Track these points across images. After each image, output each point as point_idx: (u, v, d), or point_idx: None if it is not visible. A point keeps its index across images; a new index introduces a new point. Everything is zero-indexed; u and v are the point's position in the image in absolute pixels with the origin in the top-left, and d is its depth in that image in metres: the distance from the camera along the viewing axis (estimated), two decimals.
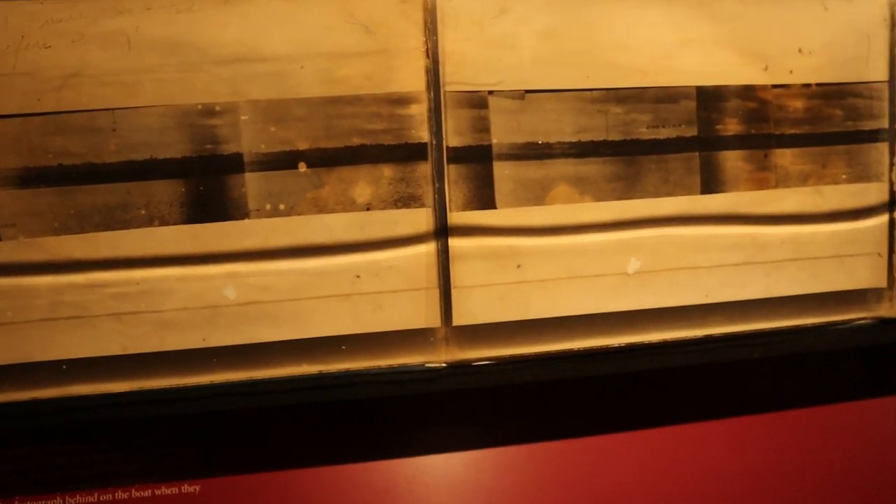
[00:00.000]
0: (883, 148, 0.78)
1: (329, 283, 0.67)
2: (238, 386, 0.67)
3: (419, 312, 0.69)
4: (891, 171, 0.78)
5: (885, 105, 0.78)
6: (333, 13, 0.65)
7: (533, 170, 0.70)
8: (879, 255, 0.79)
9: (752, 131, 0.74)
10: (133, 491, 0.71)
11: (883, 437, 0.85)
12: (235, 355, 0.67)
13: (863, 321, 0.80)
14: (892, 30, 0.77)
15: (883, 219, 0.79)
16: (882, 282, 0.80)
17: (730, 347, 0.76)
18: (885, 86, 0.78)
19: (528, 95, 0.69)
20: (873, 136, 0.78)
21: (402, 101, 0.67)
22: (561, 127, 0.70)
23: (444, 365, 0.70)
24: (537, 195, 0.70)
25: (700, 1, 0.72)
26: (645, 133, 0.72)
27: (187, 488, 0.71)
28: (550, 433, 0.76)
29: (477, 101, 0.68)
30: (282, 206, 0.66)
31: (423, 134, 0.67)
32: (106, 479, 0.72)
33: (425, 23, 0.66)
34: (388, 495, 0.74)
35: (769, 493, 0.82)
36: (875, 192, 0.79)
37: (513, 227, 0.70)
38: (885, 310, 0.81)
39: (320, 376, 0.69)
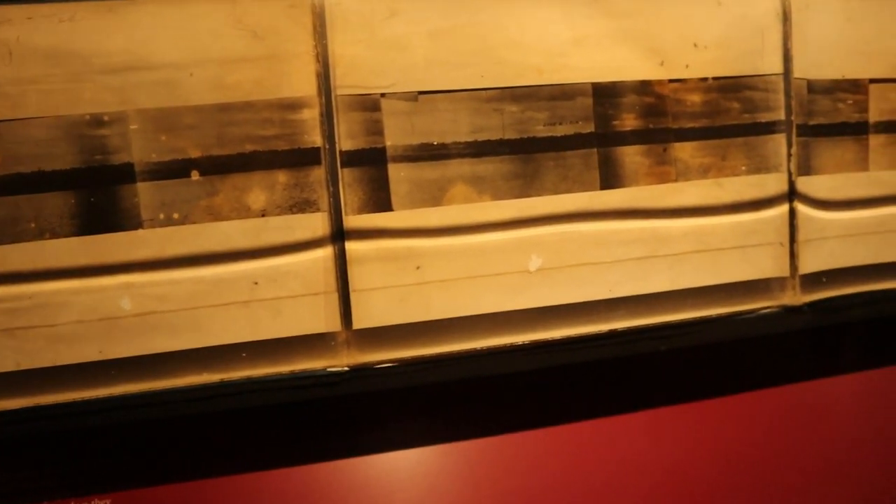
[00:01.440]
0: (780, 139, 0.87)
1: (227, 290, 0.74)
2: (138, 397, 0.73)
3: (319, 317, 0.76)
4: (789, 161, 0.87)
5: (781, 97, 0.87)
6: (221, 19, 0.71)
7: (429, 171, 0.77)
8: (781, 244, 0.89)
9: (651, 126, 0.83)
10: None
11: (790, 423, 0.95)
12: (134, 367, 0.73)
13: (767, 310, 0.89)
14: (784, 23, 0.86)
15: (783, 209, 0.88)
16: (785, 271, 0.89)
17: (636, 341, 0.85)
18: (780, 78, 0.87)
19: (421, 97, 0.76)
20: (770, 128, 0.87)
21: (293, 105, 0.73)
22: (456, 127, 0.77)
23: (346, 369, 0.77)
24: (434, 196, 0.77)
25: None
26: (542, 131, 0.79)
27: (98, 503, 0.77)
28: (458, 433, 0.83)
29: (369, 104, 0.75)
30: (176, 215, 0.72)
31: (315, 138, 0.74)
32: (10, 499, 0.76)
33: (314, 27, 0.73)
34: (300, 502, 0.81)
35: (684, 483, 0.91)
36: (774, 183, 0.88)
37: (410, 228, 0.77)
38: (789, 298, 0.90)
39: (221, 385, 0.75)
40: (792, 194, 0.88)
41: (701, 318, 0.86)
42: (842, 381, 0.98)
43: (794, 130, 0.87)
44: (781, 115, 0.86)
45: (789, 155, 0.87)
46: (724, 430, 0.92)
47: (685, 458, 0.91)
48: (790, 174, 0.87)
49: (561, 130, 0.79)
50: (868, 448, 0.98)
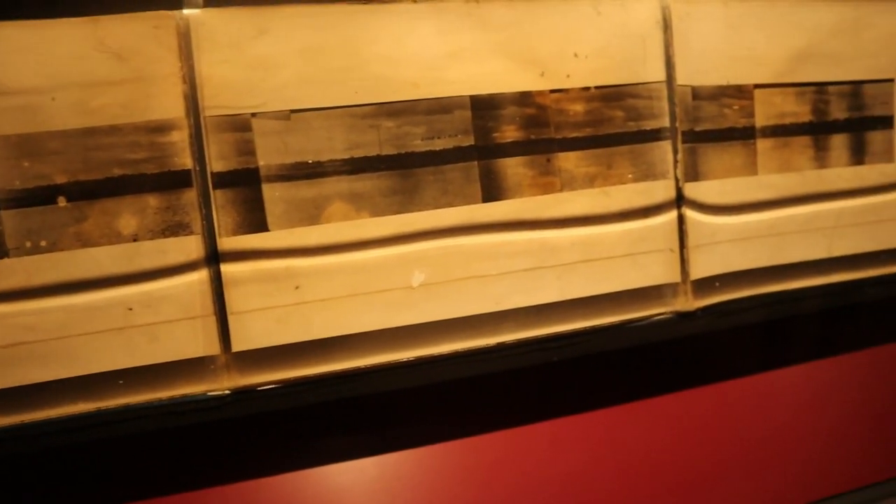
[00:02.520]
0: (666, 146, 0.93)
1: (100, 317, 0.77)
2: (10, 430, 0.76)
3: (197, 341, 0.80)
4: (675, 168, 0.94)
5: (665, 104, 0.93)
6: (82, 42, 0.75)
7: (305, 189, 0.81)
8: (671, 250, 0.95)
9: (533, 137, 0.88)
10: None
11: (688, 428, 1.01)
12: (5, 399, 0.76)
13: (660, 316, 0.95)
14: (665, 31, 0.92)
15: (672, 215, 0.94)
16: (676, 276, 0.95)
17: (526, 353, 0.90)
18: (663, 85, 0.93)
19: (294, 115, 0.80)
20: (656, 135, 0.93)
21: (161, 128, 0.77)
22: (332, 144, 0.82)
23: (227, 392, 0.81)
24: (312, 215, 0.82)
25: (469, 11, 0.85)
26: (420, 145, 0.84)
27: None
28: (346, 453, 0.88)
29: (240, 125, 0.79)
30: (43, 243, 0.75)
31: (185, 160, 0.78)
32: None
33: (180, 47, 0.77)
34: None
35: (584, 493, 0.97)
36: (662, 190, 0.94)
37: (288, 248, 0.81)
38: (681, 304, 0.96)
39: (98, 413, 0.79)
40: (680, 200, 0.93)
41: (592, 327, 0.92)
42: (738, 384, 1.04)
43: (680, 137, 0.93)
44: (666, 123, 0.92)
45: (675, 161, 0.93)
46: (622, 438, 0.98)
47: (584, 468, 0.97)
48: (677, 180, 0.93)
49: (440, 144, 0.84)
50: (767, 448, 1.04)
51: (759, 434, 1.04)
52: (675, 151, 0.92)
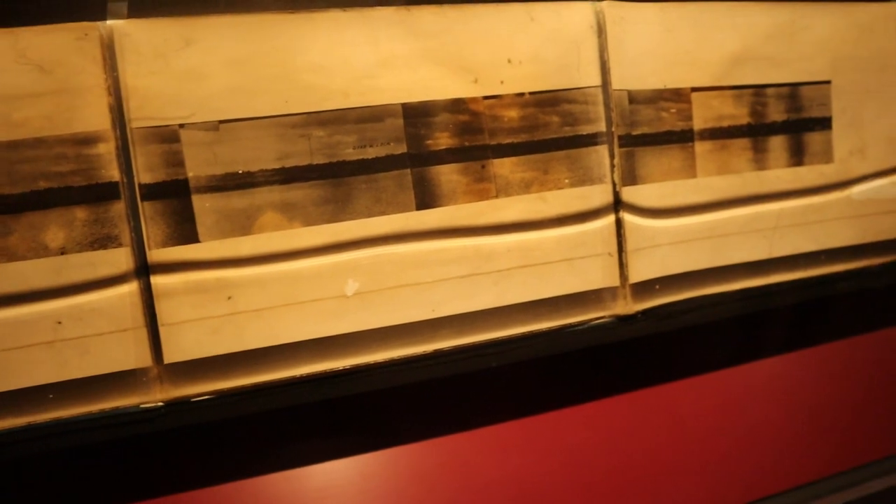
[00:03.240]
0: (603, 151, 0.97)
1: (28, 332, 0.80)
2: None
3: (128, 353, 0.82)
4: (612, 172, 0.97)
5: (601, 109, 0.97)
6: (2, 55, 0.77)
7: (236, 200, 0.84)
8: (610, 254, 0.99)
9: (467, 143, 0.92)
10: None
11: (631, 430, 1.05)
12: None
13: (600, 320, 0.99)
14: (600, 36, 0.96)
15: (609, 219, 0.98)
16: (615, 280, 0.99)
17: (463, 359, 0.93)
18: (599, 90, 0.96)
19: (223, 126, 0.83)
20: (592, 140, 0.97)
21: (88, 140, 0.80)
22: (262, 155, 0.85)
23: (160, 404, 0.84)
24: (243, 225, 0.84)
25: (400, 19, 0.88)
26: (352, 154, 0.87)
27: None
28: (283, 463, 0.91)
29: (168, 136, 0.82)
30: None
31: (113, 173, 0.80)
32: None
33: (104, 59, 0.79)
34: None
35: (532, 495, 1.00)
36: (599, 194, 0.98)
37: (219, 259, 0.84)
38: (621, 307, 1.00)
39: (29, 428, 0.81)
40: (618, 204, 0.97)
41: (530, 332, 0.95)
42: (681, 385, 1.09)
43: (616, 141, 0.96)
44: (602, 127, 0.96)
45: (612, 166, 0.96)
46: (567, 441, 1.02)
47: (530, 472, 1.01)
48: (615, 185, 0.97)
49: (372, 153, 0.87)
50: (712, 447, 1.09)
51: (704, 433, 1.08)
52: (612, 156, 0.96)
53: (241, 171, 0.83)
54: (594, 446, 1.04)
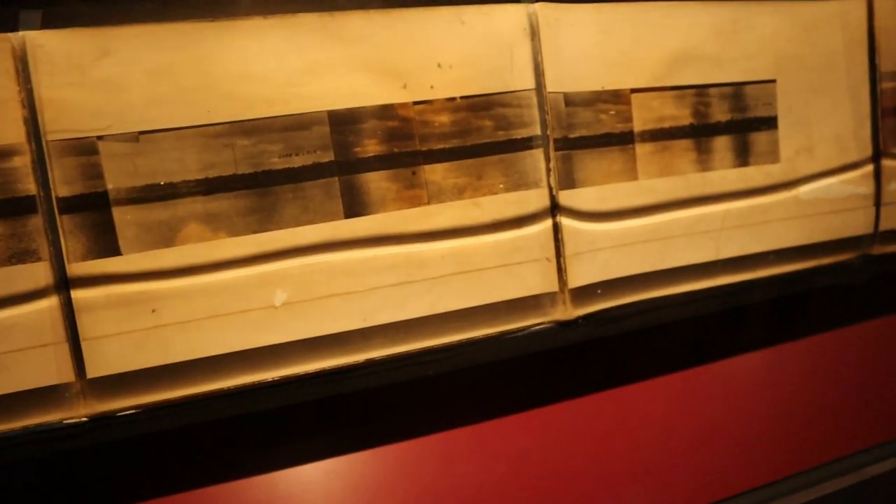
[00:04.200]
0: (538, 154, 0.99)
1: None
2: None
3: (50, 369, 0.84)
4: (548, 176, 0.99)
5: (536, 112, 0.98)
6: None
7: (158, 212, 0.86)
8: (548, 259, 1.01)
9: (396, 150, 0.93)
10: None
11: (577, 435, 1.07)
12: None
13: (539, 326, 1.01)
14: (533, 38, 0.98)
15: (547, 224, 1.00)
16: (554, 286, 1.01)
17: (397, 368, 0.95)
18: (533, 93, 0.98)
19: (142, 137, 0.85)
20: (527, 144, 0.99)
21: (2, 154, 0.81)
22: (185, 165, 0.86)
23: (84, 419, 0.85)
24: (166, 237, 0.86)
25: (324, 25, 0.90)
26: (278, 163, 0.89)
27: None
28: (213, 477, 0.93)
29: (85, 148, 0.83)
30: None
31: (29, 186, 0.82)
32: None
33: (17, 71, 0.81)
34: None
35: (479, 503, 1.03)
36: (535, 199, 1.00)
37: (142, 271, 0.86)
38: (561, 313, 1.02)
39: None
40: (555, 209, 0.99)
41: (467, 339, 0.97)
42: (628, 390, 1.11)
43: (552, 145, 0.98)
44: (537, 131, 0.98)
45: (548, 170, 0.98)
46: (513, 448, 1.04)
47: (476, 480, 1.03)
48: (551, 189, 0.99)
49: (298, 161, 0.89)
50: (662, 451, 1.11)
51: (652, 439, 1.10)
52: (548, 159, 0.98)
53: (162, 183, 0.85)
54: (541, 453, 1.06)
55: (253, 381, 0.90)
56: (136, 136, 0.84)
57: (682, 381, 1.15)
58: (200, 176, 0.87)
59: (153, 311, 0.86)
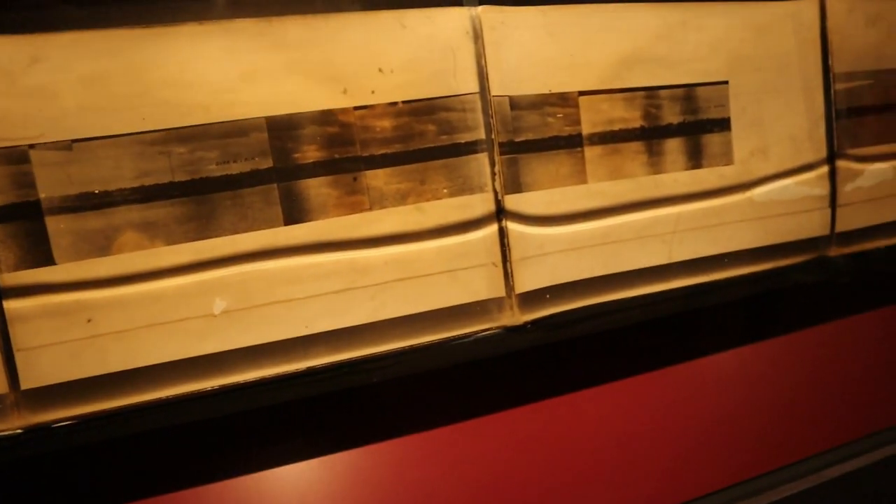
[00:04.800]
0: (483, 159, 1.01)
1: None
2: None
3: None
4: (493, 180, 1.01)
5: (480, 116, 1.00)
6: None
7: (93, 220, 0.87)
8: (494, 265, 1.02)
9: (337, 156, 0.95)
10: None
11: (528, 441, 1.09)
12: None
13: (487, 332, 1.03)
14: (476, 42, 0.99)
15: (492, 229, 1.02)
16: (500, 291, 1.03)
17: (340, 376, 0.97)
18: (477, 97, 1.00)
19: (76, 145, 0.86)
20: (471, 148, 1.00)
21: None
22: (120, 173, 0.87)
23: (19, 431, 0.86)
24: (102, 246, 0.87)
25: (262, 31, 0.91)
26: (215, 170, 0.90)
27: None
28: (151, 487, 0.94)
29: (17, 157, 0.84)
30: None
31: None
32: None
33: None
34: None
35: None
36: (481, 204, 1.01)
37: (77, 281, 0.87)
38: (508, 318, 1.03)
39: None
40: (500, 213, 1.01)
41: (412, 346, 0.99)
42: (581, 395, 1.12)
43: (497, 149, 1.00)
44: (482, 135, 1.00)
45: (493, 174, 1.00)
46: (465, 455, 1.06)
47: (427, 487, 1.04)
48: (496, 193, 1.00)
49: (236, 168, 0.90)
50: (609, 460, 1.12)
51: (608, 443, 1.12)
52: (493, 164, 1.00)
53: (97, 191, 0.86)
54: (491, 459, 1.07)
55: (192, 390, 0.91)
56: (70, 145, 0.85)
57: (636, 386, 1.16)
58: (136, 184, 0.88)
59: (89, 320, 0.87)
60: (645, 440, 1.15)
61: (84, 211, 0.86)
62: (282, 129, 0.92)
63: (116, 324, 0.88)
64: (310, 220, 0.94)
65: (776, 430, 1.22)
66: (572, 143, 1.06)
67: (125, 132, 0.87)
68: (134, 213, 0.88)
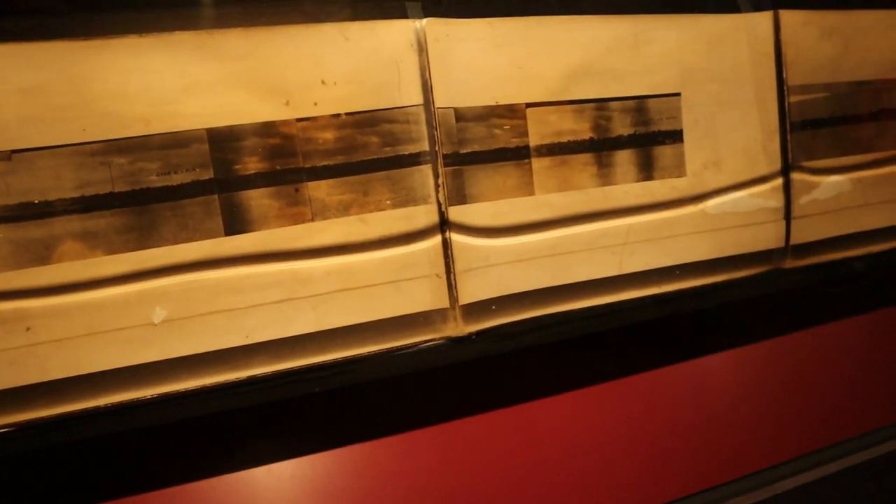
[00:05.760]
0: (427, 170, 1.05)
1: None
2: None
3: None
4: (437, 192, 1.05)
5: (423, 128, 1.04)
6: None
7: (33, 230, 0.91)
8: (438, 276, 1.06)
9: (279, 167, 0.99)
10: None
11: (470, 453, 1.13)
12: None
13: (431, 343, 1.07)
14: (421, 54, 1.03)
15: (436, 240, 1.06)
16: (444, 302, 1.07)
17: (281, 385, 1.01)
18: (421, 109, 1.04)
19: (15, 155, 0.90)
20: (415, 160, 1.05)
21: None
22: (60, 184, 0.92)
23: None
24: (42, 255, 0.92)
25: (202, 43, 0.95)
26: (156, 181, 0.95)
27: None
28: (89, 497, 0.99)
29: None
30: None
31: None
32: None
33: None
34: None
35: None
36: (424, 215, 1.05)
37: (16, 290, 0.91)
38: (452, 329, 1.08)
39: None
40: (444, 225, 1.05)
41: (355, 356, 1.03)
42: (529, 407, 1.17)
43: (441, 161, 1.04)
44: (426, 146, 1.04)
45: (437, 185, 1.04)
46: (407, 466, 1.10)
47: (371, 497, 1.09)
48: (440, 205, 1.05)
49: (177, 179, 0.95)
50: (559, 472, 1.17)
51: (558, 454, 1.16)
52: (437, 175, 1.04)
53: (37, 201, 0.90)
54: (437, 470, 1.12)
55: (131, 398, 0.96)
56: (9, 155, 0.90)
57: (587, 397, 1.21)
58: (76, 194, 0.92)
59: (28, 328, 0.91)
60: (593, 453, 1.19)
61: (24, 221, 0.91)
62: (223, 141, 0.96)
63: (56, 332, 0.92)
64: (251, 231, 0.98)
65: (729, 442, 1.26)
66: (519, 154, 1.10)
67: (65, 143, 0.91)
68: (74, 223, 0.92)
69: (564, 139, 1.12)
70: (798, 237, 1.29)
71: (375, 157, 1.02)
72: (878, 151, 1.35)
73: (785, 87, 1.24)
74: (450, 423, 1.13)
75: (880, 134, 1.35)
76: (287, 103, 0.98)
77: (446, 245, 1.05)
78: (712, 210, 1.22)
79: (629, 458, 1.20)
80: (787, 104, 1.24)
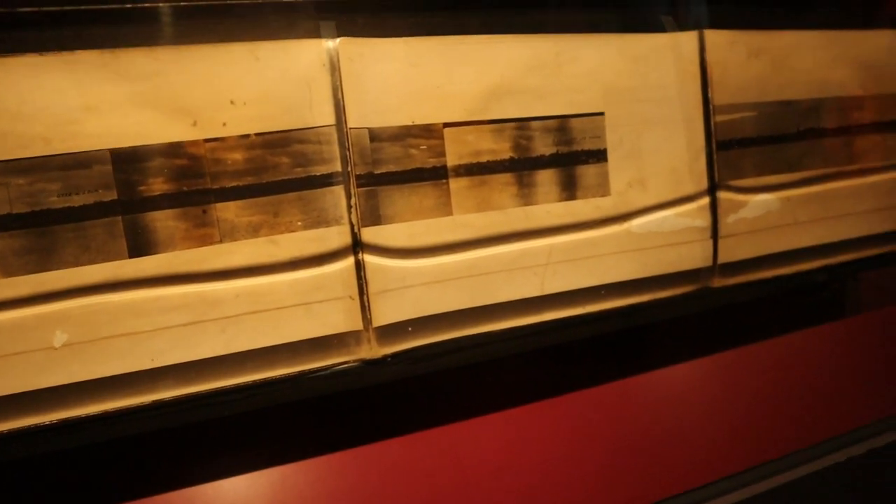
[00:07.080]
0: (339, 191, 1.08)
1: None
2: None
3: None
4: (350, 213, 1.08)
5: (336, 148, 1.07)
6: None
7: None
8: (351, 297, 1.09)
9: (185, 188, 1.02)
10: None
11: (389, 476, 1.16)
12: None
13: (345, 365, 1.10)
14: (333, 74, 1.06)
15: (349, 261, 1.09)
16: (358, 324, 1.10)
17: (189, 409, 1.04)
18: (333, 129, 1.07)
19: None
20: (327, 181, 1.07)
21: None
22: None
23: None
24: None
25: (105, 62, 0.98)
26: (57, 202, 0.97)
27: None
28: None
29: None
30: None
31: None
32: None
33: None
34: None
35: None
36: (337, 236, 1.08)
37: None
38: (366, 351, 1.11)
39: None
40: (357, 246, 1.08)
41: (265, 379, 1.06)
42: (451, 429, 1.20)
43: (354, 181, 1.07)
44: (338, 167, 1.07)
45: (350, 206, 1.07)
46: (318, 492, 1.13)
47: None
48: (353, 226, 1.07)
49: (79, 200, 0.97)
50: (483, 496, 1.20)
51: (482, 477, 1.19)
52: (349, 196, 1.07)
53: None
54: (351, 494, 1.14)
55: (31, 423, 0.98)
56: None
57: (513, 418, 1.24)
58: None
59: None
60: (520, 474, 1.22)
61: None
62: (127, 162, 0.98)
63: None
64: (156, 253, 1.01)
65: (665, 461, 1.30)
66: (436, 174, 1.13)
67: None
68: None
69: (483, 159, 1.15)
70: (726, 256, 1.33)
71: (286, 177, 1.05)
72: (807, 170, 1.40)
73: (711, 107, 1.28)
74: (366, 446, 1.15)
75: (808, 153, 1.40)
76: (194, 123, 1.01)
77: (359, 266, 1.08)
78: (638, 229, 1.26)
79: (562, 477, 1.23)
80: (712, 123, 1.28)
